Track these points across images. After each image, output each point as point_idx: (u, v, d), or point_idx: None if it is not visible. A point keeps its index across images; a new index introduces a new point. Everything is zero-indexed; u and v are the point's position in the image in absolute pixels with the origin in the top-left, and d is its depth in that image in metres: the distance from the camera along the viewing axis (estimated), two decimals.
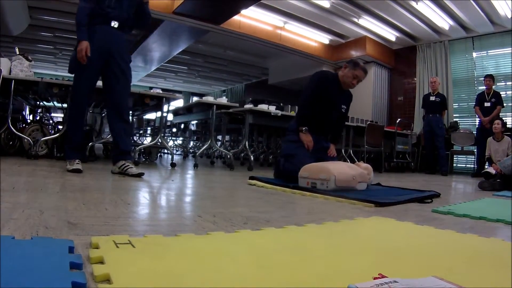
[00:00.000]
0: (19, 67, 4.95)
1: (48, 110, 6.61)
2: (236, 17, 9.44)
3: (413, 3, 8.46)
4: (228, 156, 5.94)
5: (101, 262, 0.95)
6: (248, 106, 5.96)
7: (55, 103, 6.08)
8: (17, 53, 5.28)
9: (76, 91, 3.56)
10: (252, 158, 5.83)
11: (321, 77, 4.12)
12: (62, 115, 6.38)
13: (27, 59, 5.13)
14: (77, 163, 3.42)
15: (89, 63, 3.34)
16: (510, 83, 9.20)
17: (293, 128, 4.11)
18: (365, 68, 4.12)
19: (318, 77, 4.12)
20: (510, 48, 9.18)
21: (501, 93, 8.26)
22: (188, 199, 2.52)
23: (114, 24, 3.52)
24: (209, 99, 6.20)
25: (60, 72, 16.96)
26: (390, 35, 10.70)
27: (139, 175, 3.40)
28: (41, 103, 6.09)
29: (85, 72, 3.45)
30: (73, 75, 3.57)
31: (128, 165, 3.49)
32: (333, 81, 4.11)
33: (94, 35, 3.38)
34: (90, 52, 3.31)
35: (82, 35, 3.30)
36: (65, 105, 5.48)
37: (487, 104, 8.05)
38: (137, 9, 3.64)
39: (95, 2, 3.40)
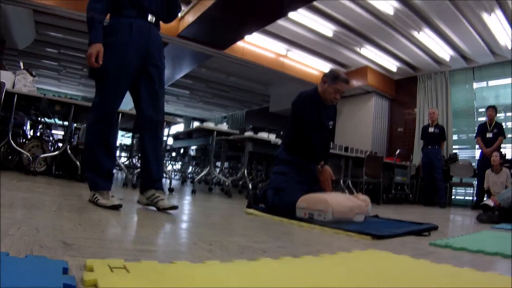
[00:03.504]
0: (22, 82, 4.99)
1: (49, 126, 6.63)
2: (240, 43, 9.54)
3: (415, 33, 8.54)
4: (227, 184, 5.91)
5: (95, 286, 0.95)
6: (248, 133, 5.98)
7: (56, 120, 6.05)
8: (22, 67, 5.34)
9: (104, 100, 2.81)
10: (250, 186, 5.79)
11: (303, 101, 3.88)
12: (63, 133, 6.38)
13: (31, 74, 5.17)
14: (113, 197, 2.75)
15: (122, 65, 2.74)
16: (510, 114, 9.23)
17: (282, 158, 3.93)
18: (346, 78, 3.83)
19: (301, 102, 3.89)
20: (511, 79, 9.23)
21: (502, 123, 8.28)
22: (184, 225, 2.51)
23: (151, 18, 2.89)
24: (210, 125, 6.21)
25: (63, 89, 17.13)
26: (392, 65, 10.79)
27: (173, 209, 2.82)
28: (42, 120, 6.10)
29: (117, 77, 2.77)
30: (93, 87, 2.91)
31: (159, 196, 2.86)
32: (315, 101, 3.87)
33: (130, 30, 2.76)
34: (126, 53, 2.74)
35: (96, 36, 2.64)
36: (66, 123, 5.47)
37: (489, 135, 8.06)
38: (167, 0, 3.02)
39: None
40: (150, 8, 2.87)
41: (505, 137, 8.03)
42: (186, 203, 4.19)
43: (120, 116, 3.29)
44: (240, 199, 5.30)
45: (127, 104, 3.02)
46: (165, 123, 3.34)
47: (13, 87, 4.83)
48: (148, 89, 2.91)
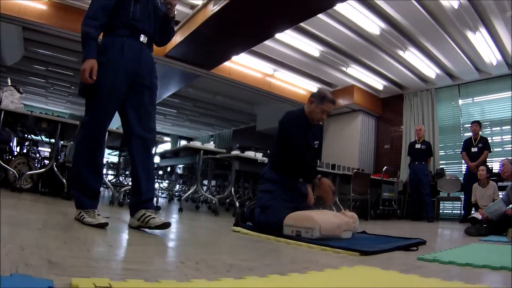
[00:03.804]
0: (10, 98, 4.96)
1: (36, 144, 6.58)
2: (227, 63, 9.59)
3: (401, 52, 8.64)
4: (214, 202, 5.88)
5: None
6: (235, 152, 5.99)
7: (43, 137, 6.00)
8: (9, 84, 5.30)
9: (93, 119, 2.76)
10: (237, 205, 5.77)
11: (290, 121, 3.91)
12: (49, 150, 6.32)
13: (18, 91, 5.15)
14: (99, 215, 2.71)
15: (112, 85, 2.71)
16: (495, 128, 9.36)
17: (268, 177, 3.92)
18: (332, 99, 3.87)
19: (288, 121, 3.91)
20: (495, 95, 9.42)
21: (487, 138, 8.38)
22: (171, 244, 2.48)
23: (143, 39, 2.88)
24: (197, 143, 6.20)
25: (51, 107, 17.06)
26: (378, 83, 10.88)
27: (165, 227, 2.67)
28: (29, 137, 6.06)
29: (107, 96, 2.73)
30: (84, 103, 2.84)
31: (150, 215, 2.73)
32: (302, 120, 3.91)
33: (121, 50, 2.74)
34: (117, 72, 2.72)
35: (90, 51, 2.60)
36: (52, 140, 5.43)
37: (474, 150, 8.13)
38: (161, 24, 3.03)
39: (112, 13, 2.76)
40: (143, 28, 2.86)
41: (490, 151, 8.11)
42: (173, 221, 4.15)
43: (107, 135, 3.23)
44: (227, 217, 5.27)
45: (113, 122, 2.99)
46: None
47: (0, 104, 4.80)
48: (138, 109, 2.86)
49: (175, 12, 3.09)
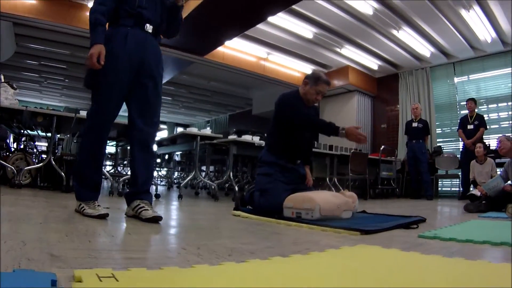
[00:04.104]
0: (4, 95, 4.93)
1: (32, 139, 6.56)
2: (220, 49, 9.54)
3: (394, 32, 8.62)
4: (213, 187, 5.89)
5: None
6: (232, 137, 5.98)
7: (39, 132, 5.97)
8: (2, 80, 5.27)
9: (97, 110, 2.74)
10: (236, 189, 5.78)
11: (286, 102, 3.89)
12: (46, 144, 6.29)
13: (12, 87, 5.11)
14: (99, 206, 2.70)
15: (116, 75, 2.66)
16: (492, 106, 9.39)
17: (266, 160, 3.90)
18: (327, 80, 3.86)
19: (284, 103, 3.90)
20: (490, 72, 9.45)
21: (484, 115, 8.42)
22: (172, 231, 2.48)
23: (149, 28, 2.81)
24: (193, 130, 6.18)
25: (45, 101, 16.95)
26: (372, 63, 10.87)
27: (156, 220, 2.60)
28: (25, 132, 6.04)
29: (111, 87, 2.69)
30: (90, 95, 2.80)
31: (144, 207, 2.69)
32: (297, 102, 3.88)
33: (125, 39, 2.69)
34: (120, 61, 2.65)
35: (98, 37, 2.55)
36: (49, 134, 5.40)
37: (470, 127, 8.17)
38: (168, 13, 2.97)
39: (119, 0, 2.71)
40: (148, 17, 2.79)
41: (486, 129, 8.15)
42: (173, 209, 4.16)
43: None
44: (226, 202, 5.28)
45: None
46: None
47: None
48: (141, 102, 2.83)
49: (184, 1, 2.99)
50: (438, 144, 9.84)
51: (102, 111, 2.73)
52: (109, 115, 2.77)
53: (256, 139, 6.01)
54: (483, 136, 8.13)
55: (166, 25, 2.99)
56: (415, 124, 8.74)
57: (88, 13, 2.71)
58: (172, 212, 3.86)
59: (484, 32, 8.29)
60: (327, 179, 7.58)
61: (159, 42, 2.98)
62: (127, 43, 2.69)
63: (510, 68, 8.93)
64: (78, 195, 2.76)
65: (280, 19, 8.18)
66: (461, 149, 8.78)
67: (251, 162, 8.23)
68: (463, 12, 7.54)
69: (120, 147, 7.80)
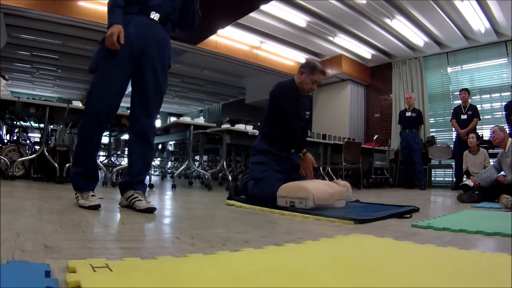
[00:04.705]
0: None
1: (25, 130, 6.53)
2: (213, 37, 9.47)
3: (388, 21, 8.59)
4: (206, 177, 5.89)
5: (78, 287, 0.93)
6: (225, 126, 5.97)
7: (32, 123, 5.94)
8: None
9: (97, 96, 2.66)
10: (230, 178, 5.78)
11: (282, 92, 3.87)
12: (39, 136, 6.26)
13: (4, 78, 5.07)
14: (93, 196, 2.68)
15: (115, 57, 2.60)
16: (485, 96, 9.40)
17: (259, 148, 3.89)
18: (323, 69, 3.85)
19: (280, 92, 3.87)
20: (484, 62, 9.44)
21: (477, 106, 8.43)
22: (166, 220, 2.48)
23: (155, 15, 2.75)
24: (186, 119, 6.17)
25: (38, 92, 16.84)
26: (366, 52, 10.84)
27: (149, 211, 2.60)
28: (18, 123, 6.00)
29: (108, 72, 2.63)
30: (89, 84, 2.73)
31: (137, 197, 2.70)
32: (292, 91, 3.87)
33: (126, 27, 2.60)
34: (121, 49, 2.57)
35: (116, 17, 2.55)
36: (42, 126, 5.38)
37: (463, 117, 8.19)
38: (183, 4, 2.91)
39: None
40: (153, 5, 2.74)
41: (480, 119, 8.17)
42: (167, 198, 4.17)
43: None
44: (220, 191, 5.29)
45: None
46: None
47: None
48: (142, 92, 2.79)
49: None
50: (431, 134, 9.85)
51: (100, 95, 2.66)
52: (107, 100, 2.68)
53: (249, 128, 6.01)
54: (476, 127, 8.15)
55: (180, 15, 2.94)
56: (408, 114, 8.75)
57: (79, 3, 2.69)
58: (166, 202, 3.86)
59: (477, 22, 8.27)
60: (321, 168, 7.59)
61: (170, 32, 2.94)
62: (129, 29, 2.63)
63: (504, 59, 8.96)
64: (74, 185, 2.73)
65: (273, 7, 8.13)
66: (454, 139, 8.81)
67: (245, 151, 8.25)
68: (457, 2, 7.52)
69: (113, 137, 7.76)
